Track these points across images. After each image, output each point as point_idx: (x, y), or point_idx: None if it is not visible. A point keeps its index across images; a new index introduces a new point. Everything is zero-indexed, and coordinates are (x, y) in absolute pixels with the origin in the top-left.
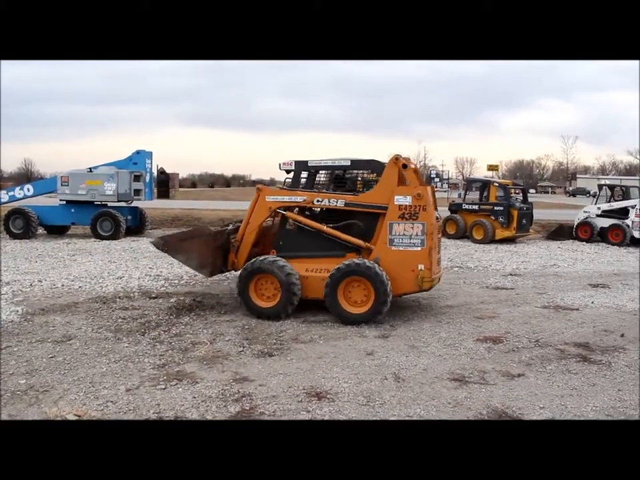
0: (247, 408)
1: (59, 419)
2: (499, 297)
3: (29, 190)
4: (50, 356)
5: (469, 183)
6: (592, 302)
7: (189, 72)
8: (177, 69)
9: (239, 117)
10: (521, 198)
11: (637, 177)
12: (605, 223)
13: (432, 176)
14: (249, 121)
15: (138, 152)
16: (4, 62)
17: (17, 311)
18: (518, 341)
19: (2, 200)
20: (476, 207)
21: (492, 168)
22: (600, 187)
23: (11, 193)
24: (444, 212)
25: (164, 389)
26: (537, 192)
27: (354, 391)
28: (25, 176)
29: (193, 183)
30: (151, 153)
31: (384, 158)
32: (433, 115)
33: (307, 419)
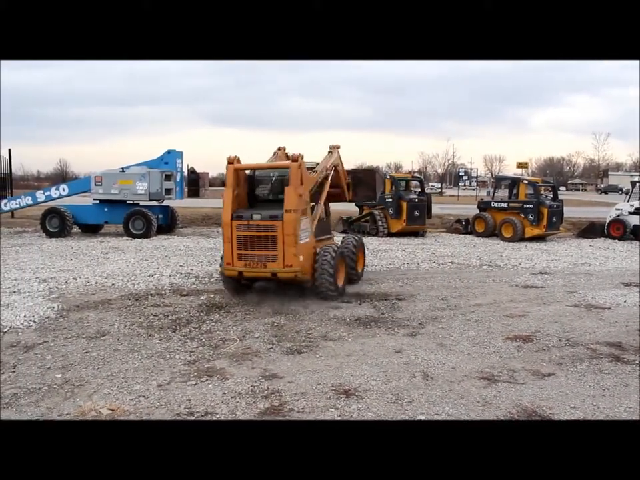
0: (276, 404)
1: (93, 413)
2: (528, 295)
3: (64, 190)
4: (84, 351)
5: (498, 181)
6: (624, 301)
7: (214, 72)
8: (205, 69)
9: (263, 116)
10: (551, 195)
11: None
12: (638, 220)
13: (460, 174)
14: (274, 120)
15: (169, 152)
16: (31, 63)
17: (53, 308)
18: (548, 339)
19: (39, 199)
20: (505, 205)
21: (521, 165)
22: (633, 183)
23: (47, 193)
24: (473, 210)
25: (194, 384)
26: (567, 189)
27: (382, 388)
28: (61, 176)
29: (223, 181)
30: (181, 152)
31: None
32: (460, 113)
33: (313, 419)
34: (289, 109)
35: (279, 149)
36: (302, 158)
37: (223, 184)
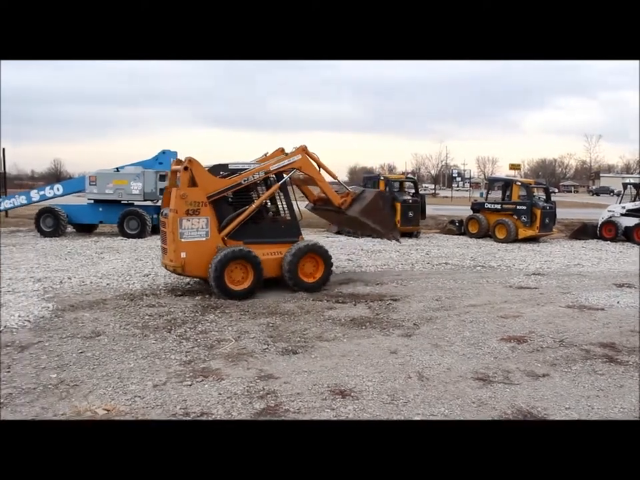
0: (272, 405)
1: (88, 413)
2: (522, 296)
3: (58, 189)
4: (80, 351)
5: (491, 182)
6: (617, 302)
7: (209, 73)
8: (199, 70)
9: (259, 117)
10: (544, 197)
11: None
12: (630, 222)
13: (454, 175)
14: (269, 121)
15: (163, 152)
16: (27, 62)
17: (48, 307)
18: (542, 340)
19: (33, 199)
20: (498, 206)
21: (514, 167)
22: (625, 185)
23: (41, 192)
24: (466, 211)
25: (190, 385)
26: (559, 191)
27: (378, 389)
28: (55, 176)
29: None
30: (175, 152)
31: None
32: (453, 114)
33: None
34: (283, 110)
35: (280, 149)
36: (191, 161)
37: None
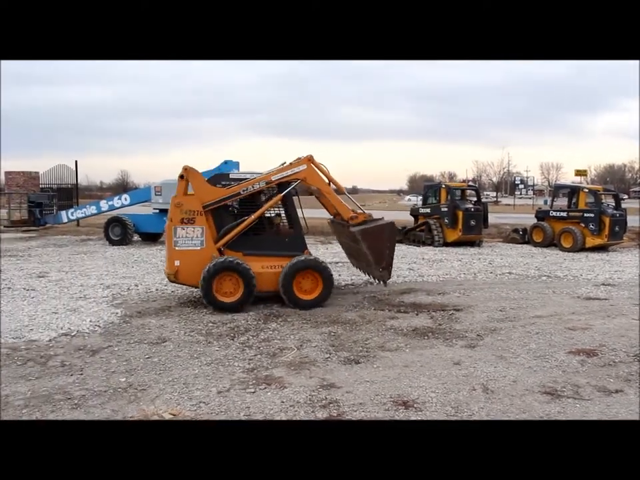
0: (335, 414)
1: (155, 417)
2: (591, 307)
3: (126, 199)
4: (147, 356)
5: (557, 189)
6: None
7: (270, 84)
8: (261, 81)
9: (315, 126)
10: (613, 204)
11: None
12: None
13: (516, 182)
14: (325, 130)
15: (226, 162)
16: (98, 81)
17: (117, 313)
18: (614, 354)
19: (102, 209)
20: (564, 214)
21: (580, 173)
22: None
23: (110, 203)
24: (530, 219)
25: (253, 392)
26: (629, 197)
27: (441, 400)
28: (122, 186)
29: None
30: (237, 162)
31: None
32: (515, 120)
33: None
34: (340, 119)
35: (307, 157)
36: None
37: (296, 193)
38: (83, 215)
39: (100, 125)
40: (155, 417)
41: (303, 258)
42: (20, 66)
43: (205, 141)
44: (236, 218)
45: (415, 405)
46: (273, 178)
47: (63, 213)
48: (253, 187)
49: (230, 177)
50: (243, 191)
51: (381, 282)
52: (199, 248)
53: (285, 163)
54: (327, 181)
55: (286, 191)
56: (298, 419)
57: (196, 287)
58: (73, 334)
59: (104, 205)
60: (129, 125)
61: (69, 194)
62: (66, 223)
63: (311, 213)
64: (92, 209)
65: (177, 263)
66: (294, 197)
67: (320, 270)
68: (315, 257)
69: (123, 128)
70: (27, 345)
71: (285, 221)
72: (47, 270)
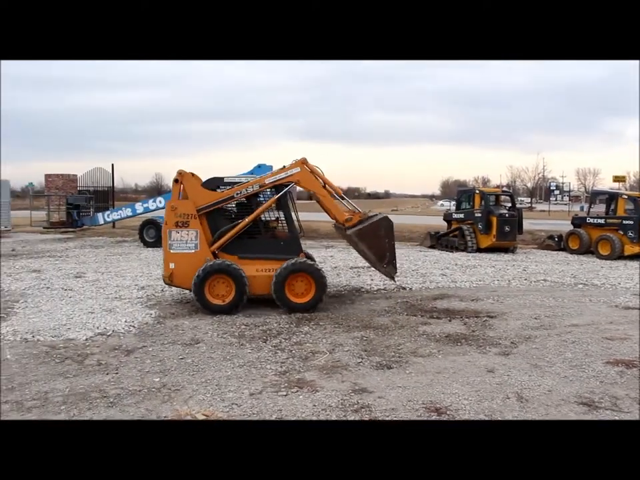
0: (366, 419)
1: (189, 417)
2: (630, 317)
3: (160, 202)
4: (180, 357)
5: (594, 196)
6: None
7: (302, 87)
8: (292, 85)
9: (345, 130)
10: None
11: None
12: None
13: (552, 188)
14: (357, 134)
15: (259, 165)
16: (130, 85)
17: (151, 314)
18: None
19: (137, 211)
20: (602, 221)
21: (618, 179)
22: None
23: (145, 205)
24: (565, 226)
25: (285, 395)
26: None
27: (475, 408)
28: (156, 189)
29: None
30: (271, 166)
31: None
32: (550, 124)
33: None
34: (371, 123)
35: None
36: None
37: (310, 198)
38: (119, 217)
39: (136, 128)
40: (188, 418)
41: (293, 261)
42: (66, 70)
43: (239, 144)
44: (232, 221)
45: (448, 412)
46: (267, 181)
47: (100, 215)
48: (246, 190)
49: (225, 180)
50: (237, 194)
51: (390, 278)
52: (193, 251)
53: (285, 166)
54: (322, 183)
55: (280, 194)
56: (350, 420)
57: (190, 290)
58: (108, 334)
59: (139, 207)
60: (163, 129)
61: (106, 196)
62: (102, 224)
63: (323, 217)
64: (127, 211)
65: (171, 265)
66: (292, 200)
67: (312, 273)
68: (304, 260)
69: (158, 131)
70: (65, 343)
71: (281, 224)
72: (83, 270)
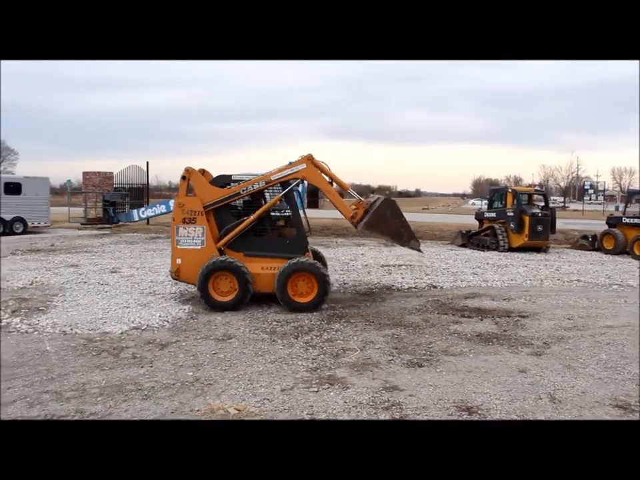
0: (397, 417)
1: (221, 411)
2: None
3: None
4: (213, 352)
5: (630, 195)
6: None
7: (332, 86)
8: (322, 84)
9: (380, 129)
10: None
11: None
12: None
13: (586, 187)
14: (389, 133)
15: (290, 163)
16: (164, 85)
17: (184, 309)
18: None
19: (171, 208)
20: (638, 221)
21: None
22: None
23: (171, 202)
24: (599, 225)
25: (316, 391)
26: None
27: (506, 408)
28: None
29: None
30: None
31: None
32: (585, 123)
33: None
34: (403, 122)
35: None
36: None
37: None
38: (153, 213)
39: (170, 127)
40: (221, 412)
41: (295, 261)
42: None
43: (269, 142)
44: (239, 218)
45: (479, 412)
46: (273, 178)
47: (135, 211)
48: (252, 187)
49: (233, 177)
50: (243, 190)
51: (417, 250)
52: (199, 247)
53: (291, 162)
54: (328, 179)
55: (285, 191)
56: (361, 419)
57: (195, 285)
58: (143, 328)
59: (173, 204)
60: (195, 128)
61: (140, 193)
62: (137, 221)
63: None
64: (161, 208)
65: (178, 261)
66: (301, 198)
67: (314, 271)
68: (307, 259)
69: (190, 130)
70: (101, 336)
71: (289, 221)
72: (119, 266)
